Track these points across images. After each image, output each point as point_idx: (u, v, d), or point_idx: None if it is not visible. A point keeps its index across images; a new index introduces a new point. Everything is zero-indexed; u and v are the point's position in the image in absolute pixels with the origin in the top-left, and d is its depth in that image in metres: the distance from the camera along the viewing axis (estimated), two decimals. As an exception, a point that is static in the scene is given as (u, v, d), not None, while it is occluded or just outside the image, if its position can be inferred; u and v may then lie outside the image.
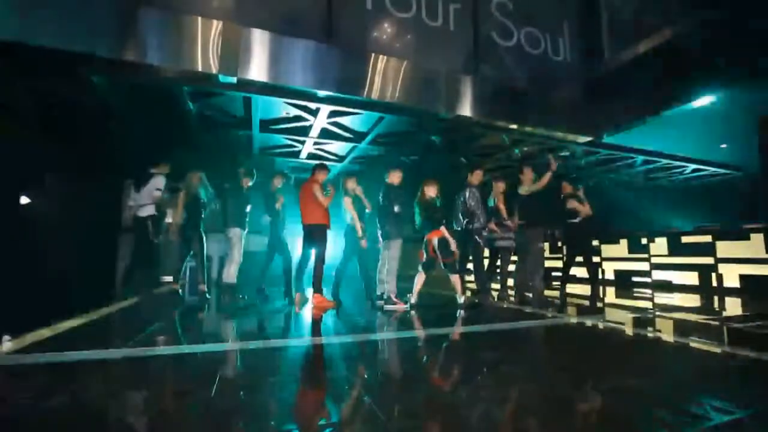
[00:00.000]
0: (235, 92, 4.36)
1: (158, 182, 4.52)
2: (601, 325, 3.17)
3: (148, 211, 4.53)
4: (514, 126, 5.73)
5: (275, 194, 4.95)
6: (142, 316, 3.75)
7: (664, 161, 6.82)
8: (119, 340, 2.62)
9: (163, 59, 3.90)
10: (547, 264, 5.82)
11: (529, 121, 5.77)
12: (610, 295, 5.77)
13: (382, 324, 3.44)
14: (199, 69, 3.98)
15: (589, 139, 6.03)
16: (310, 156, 7.33)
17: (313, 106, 4.85)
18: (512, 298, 4.55)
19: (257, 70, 4.24)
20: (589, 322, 3.32)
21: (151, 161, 4.73)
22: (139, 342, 2.46)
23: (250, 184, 4.98)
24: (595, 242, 6.95)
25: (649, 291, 6.29)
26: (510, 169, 7.40)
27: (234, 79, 4.11)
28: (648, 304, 4.71)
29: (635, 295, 5.74)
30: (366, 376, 1.90)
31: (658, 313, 4.00)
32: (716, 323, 3.35)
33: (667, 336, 2.80)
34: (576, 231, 5.03)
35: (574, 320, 3.47)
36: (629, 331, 2.96)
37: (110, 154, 5.57)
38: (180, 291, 4.99)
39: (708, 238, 6.04)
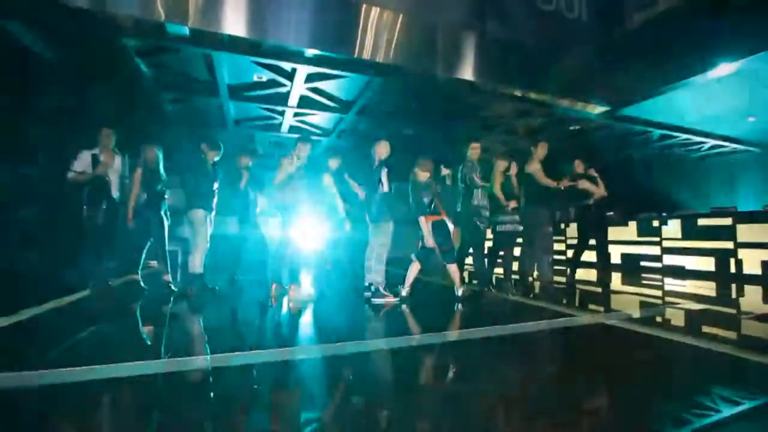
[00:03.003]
0: (190, 47, 3.61)
1: (79, 160, 3.85)
2: (627, 327, 2.64)
3: (85, 192, 3.88)
4: (521, 93, 5.05)
5: (240, 171, 4.29)
6: (84, 315, 3.14)
7: (683, 136, 6.19)
8: (32, 355, 2.02)
9: (96, 3, 3.13)
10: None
11: (537, 87, 5.09)
12: (616, 281, 5.31)
13: (367, 325, 2.89)
14: (142, 16, 3.22)
15: (603, 109, 5.37)
16: (293, 129, 6.60)
17: (287, 66, 4.12)
18: (515, 289, 4.00)
19: (217, 19, 3.48)
20: (612, 322, 2.79)
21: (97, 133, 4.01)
22: (53, 360, 1.86)
23: (216, 158, 4.31)
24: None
25: (658, 276, 5.85)
26: (514, 144, 6.74)
27: (186, 30, 3.35)
28: (675, 298, 4.21)
29: (646, 282, 5.28)
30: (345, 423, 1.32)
31: (693, 307, 3.50)
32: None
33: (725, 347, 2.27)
34: (589, 213, 4.49)
35: (594, 319, 2.94)
36: (672, 337, 2.42)
37: (49, 123, 4.80)
38: (142, 282, 4.41)
39: (728, 221, 5.53)
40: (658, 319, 3.06)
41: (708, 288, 4.79)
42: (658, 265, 6.35)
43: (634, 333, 2.49)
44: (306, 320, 3.10)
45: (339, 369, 1.88)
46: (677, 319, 3.10)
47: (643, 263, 6.54)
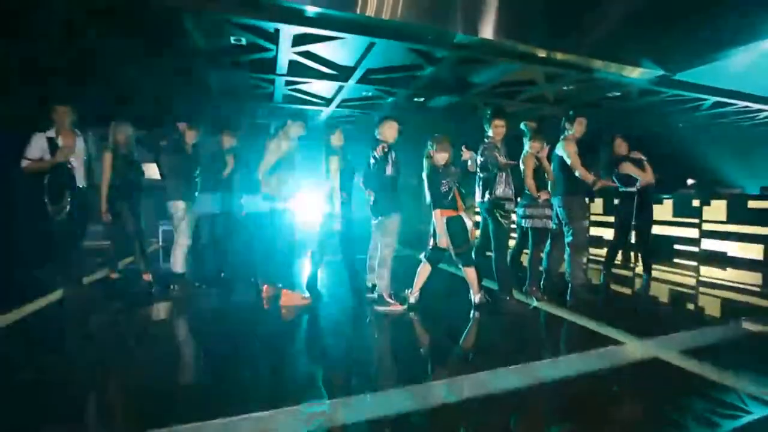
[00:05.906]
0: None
1: (33, 145, 3.27)
2: (693, 370, 2.10)
3: (45, 182, 3.34)
4: (544, 54, 4.21)
5: (224, 155, 3.69)
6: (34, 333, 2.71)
7: (740, 104, 5.29)
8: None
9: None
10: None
11: (571, 47, 4.25)
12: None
13: (366, 358, 2.41)
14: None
15: (655, 74, 4.50)
16: (287, 99, 5.87)
17: (268, 26, 3.36)
18: (541, 294, 3.41)
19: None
20: (670, 358, 2.25)
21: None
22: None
23: (195, 140, 3.71)
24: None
25: (693, 263, 5.28)
26: (542, 119, 5.90)
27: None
28: (724, 292, 3.65)
29: (678, 271, 4.73)
30: None
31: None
32: None
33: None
34: (631, 203, 3.85)
35: (647, 351, 2.41)
36: None
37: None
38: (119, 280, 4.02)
39: (788, 204, 4.83)
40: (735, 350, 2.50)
41: (751, 278, 4.24)
42: (694, 249, 5.72)
43: (705, 382, 1.95)
44: (293, 344, 2.62)
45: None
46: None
47: (676, 247, 5.92)
